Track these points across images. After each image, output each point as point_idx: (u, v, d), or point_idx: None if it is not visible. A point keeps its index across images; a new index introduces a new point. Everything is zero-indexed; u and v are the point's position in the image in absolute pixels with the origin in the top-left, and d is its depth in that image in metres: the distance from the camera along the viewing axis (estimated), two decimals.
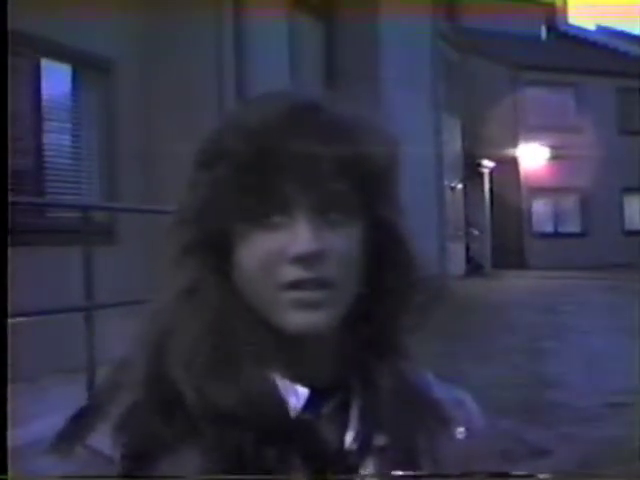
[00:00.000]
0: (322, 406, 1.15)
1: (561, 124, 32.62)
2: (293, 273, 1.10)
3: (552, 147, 32.63)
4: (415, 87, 17.33)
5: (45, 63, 9.23)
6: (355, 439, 1.15)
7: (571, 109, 33.68)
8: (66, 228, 7.97)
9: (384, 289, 1.17)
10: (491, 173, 31.94)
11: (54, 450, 1.12)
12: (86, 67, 9.87)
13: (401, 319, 1.19)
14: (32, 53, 8.94)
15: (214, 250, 1.13)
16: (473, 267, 28.75)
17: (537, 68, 33.35)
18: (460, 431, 1.24)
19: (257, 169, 1.10)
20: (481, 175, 31.50)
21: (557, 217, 34.56)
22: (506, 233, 32.03)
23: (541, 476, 1.24)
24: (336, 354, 1.17)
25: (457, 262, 25.53)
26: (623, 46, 37.62)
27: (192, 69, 10.48)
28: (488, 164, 31.49)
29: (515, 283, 25.19)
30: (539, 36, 38.77)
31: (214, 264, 1.13)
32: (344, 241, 1.12)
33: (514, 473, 1.21)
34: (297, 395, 1.14)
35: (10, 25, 4.70)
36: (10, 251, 3.87)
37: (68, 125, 9.85)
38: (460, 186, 28.66)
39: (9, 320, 3.86)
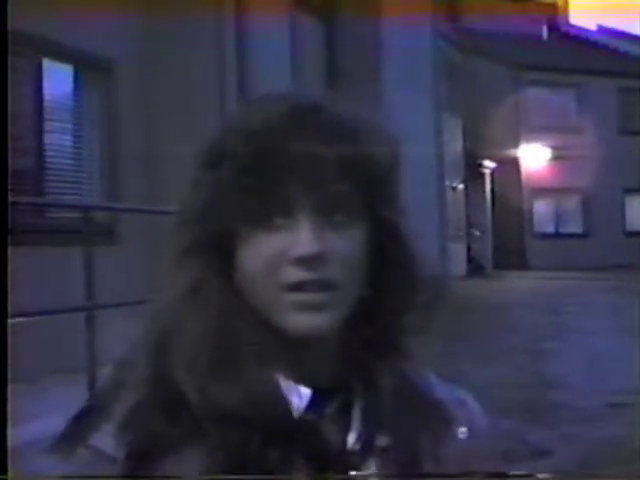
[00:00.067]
0: (325, 406, 1.15)
1: (562, 124, 32.63)
2: (295, 275, 1.10)
3: (553, 147, 32.65)
4: (416, 87, 17.34)
5: (46, 63, 9.23)
6: (357, 439, 1.15)
7: (572, 109, 33.70)
8: (67, 228, 7.97)
9: (387, 290, 1.17)
10: (492, 173, 31.95)
11: (56, 450, 1.12)
12: (87, 67, 9.87)
13: (404, 320, 1.19)
14: (33, 53, 8.94)
15: (216, 251, 1.13)
16: (474, 268, 28.75)
17: (538, 68, 33.36)
18: (462, 431, 1.24)
19: (260, 170, 1.10)
20: (482, 175, 31.51)
21: (558, 218, 34.58)
22: (507, 233, 32.04)
23: (541, 476, 1.24)
24: (339, 355, 1.18)
25: (458, 263, 25.54)
26: (624, 46, 37.64)
27: (193, 69, 10.49)
28: (489, 164, 31.50)
29: (516, 284, 25.20)
30: (540, 36, 38.79)
31: (216, 265, 1.13)
32: (346, 242, 1.12)
33: (515, 473, 1.21)
34: (300, 396, 1.14)
35: (11, 25, 4.70)
36: (10, 251, 3.87)
37: (69, 125, 9.85)
38: (461, 186, 28.67)
39: (9, 320, 3.86)
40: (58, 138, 9.67)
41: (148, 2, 10.17)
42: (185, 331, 1.11)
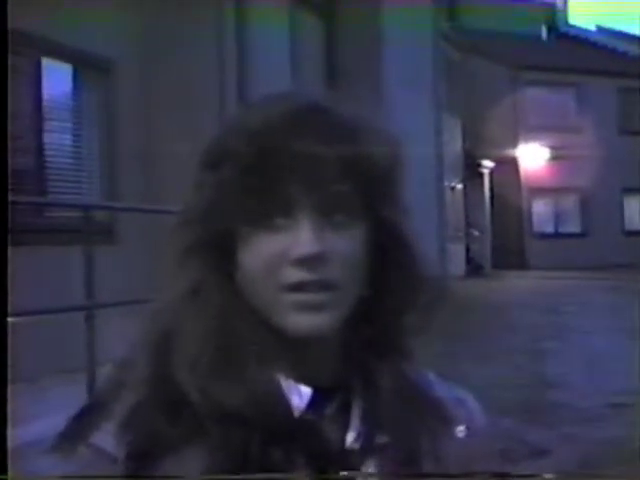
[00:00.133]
0: (325, 406, 1.15)
1: (561, 124, 32.64)
2: (295, 275, 1.10)
3: (552, 147, 32.65)
4: (416, 87, 17.33)
5: (45, 63, 9.23)
6: (357, 438, 1.16)
7: (571, 109, 33.71)
8: (66, 227, 7.97)
9: (387, 290, 1.18)
10: (491, 173, 31.97)
11: (56, 449, 1.12)
12: (86, 67, 9.87)
13: (404, 320, 1.19)
14: (32, 53, 8.94)
15: (217, 251, 1.13)
16: (473, 267, 28.78)
17: (538, 68, 33.37)
18: (461, 430, 1.25)
19: (261, 170, 1.10)
20: (481, 175, 31.53)
21: (557, 217, 34.59)
22: (506, 233, 32.06)
23: (542, 476, 1.24)
24: (339, 354, 1.18)
25: (457, 263, 25.55)
26: (623, 46, 37.65)
27: (193, 69, 10.49)
28: (488, 164, 31.52)
29: (516, 283, 25.22)
30: (540, 36, 38.80)
31: (217, 265, 1.14)
32: (347, 243, 1.12)
33: (515, 473, 1.21)
34: (300, 395, 1.14)
35: (10, 25, 4.69)
36: (10, 251, 3.86)
37: (68, 125, 9.85)
38: (460, 186, 28.69)
39: (9, 320, 3.86)
40: (57, 137, 9.67)
41: (147, 2, 10.17)
42: (186, 331, 1.12)
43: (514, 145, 33.04)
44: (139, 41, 10.26)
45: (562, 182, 32.88)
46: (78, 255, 6.44)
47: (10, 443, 2.60)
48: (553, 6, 40.12)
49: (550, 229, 34.35)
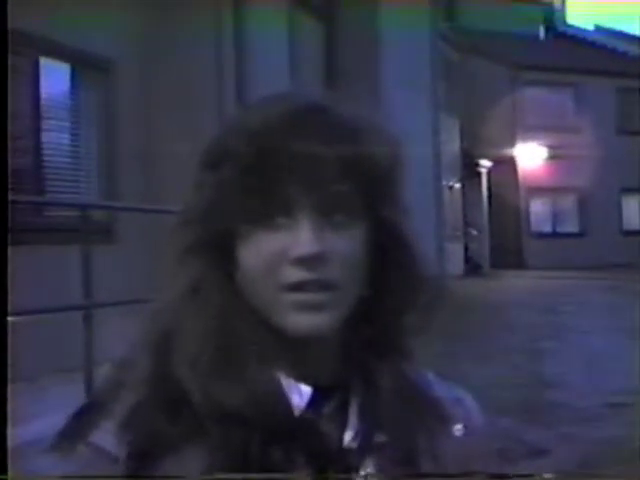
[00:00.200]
0: (325, 405, 1.16)
1: (560, 124, 32.62)
2: (295, 274, 1.10)
3: (551, 147, 32.64)
4: (414, 87, 17.34)
5: (44, 62, 9.22)
6: (356, 437, 1.16)
7: (570, 109, 33.69)
8: (65, 227, 7.97)
9: (387, 290, 1.18)
10: (489, 173, 31.96)
11: (56, 448, 1.12)
12: (85, 66, 9.87)
13: (404, 320, 1.20)
14: (31, 52, 8.93)
15: (217, 251, 1.14)
16: (472, 267, 28.77)
17: (536, 68, 33.35)
18: (459, 429, 1.25)
19: (261, 170, 1.11)
20: (479, 175, 31.52)
21: (555, 217, 34.57)
22: (504, 233, 32.04)
23: (540, 476, 1.24)
24: (339, 354, 1.18)
25: (455, 262, 25.54)
26: (622, 46, 37.63)
27: (192, 69, 10.48)
28: (486, 164, 31.51)
29: (514, 283, 25.20)
30: (538, 36, 38.78)
31: (217, 265, 1.14)
32: (347, 242, 1.12)
33: (513, 473, 1.21)
34: (301, 394, 1.14)
35: (10, 24, 4.69)
36: (9, 250, 3.87)
37: (67, 124, 9.85)
38: (458, 186, 28.68)
39: (8, 319, 3.86)
40: (56, 137, 9.67)
41: (147, 2, 10.17)
42: (186, 330, 1.12)
43: (512, 145, 33.03)
44: (138, 41, 10.25)
45: (560, 182, 32.87)
46: (77, 254, 6.44)
47: (10, 442, 2.60)
48: (551, 6, 40.10)
49: (548, 229, 34.33)
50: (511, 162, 33.00)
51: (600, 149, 31.33)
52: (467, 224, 29.84)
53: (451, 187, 27.11)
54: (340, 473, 1.13)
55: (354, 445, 1.15)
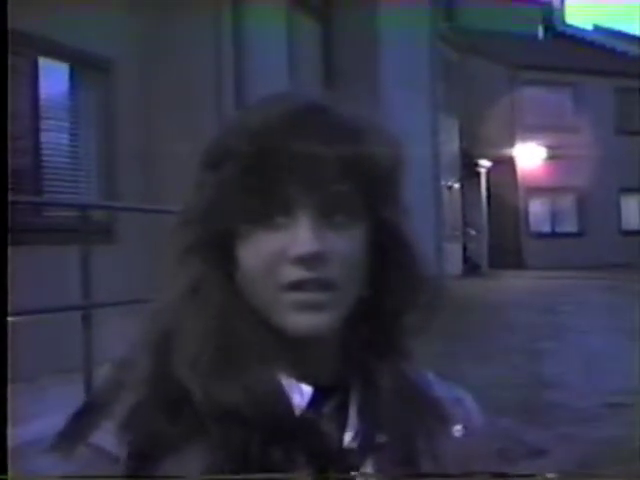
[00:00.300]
0: (326, 404, 1.16)
1: (559, 124, 32.63)
2: (295, 273, 1.10)
3: (550, 147, 32.65)
4: (413, 87, 17.33)
5: (43, 62, 9.22)
6: (356, 437, 1.16)
7: (569, 109, 33.69)
8: (65, 227, 7.96)
9: (387, 290, 1.18)
10: (488, 173, 31.96)
11: (56, 449, 1.12)
12: (85, 66, 9.87)
13: (403, 320, 1.20)
14: (30, 52, 8.93)
15: (218, 250, 1.14)
16: (470, 267, 28.77)
17: (535, 68, 33.36)
18: (458, 429, 1.25)
19: (262, 170, 1.11)
20: (478, 175, 31.52)
21: (554, 217, 34.58)
22: (503, 233, 32.05)
23: (540, 476, 1.24)
24: (339, 354, 1.18)
25: (454, 262, 25.55)
26: (621, 46, 37.65)
27: (191, 69, 10.49)
28: (485, 164, 31.51)
29: (513, 283, 25.20)
30: (537, 36, 38.79)
31: (218, 264, 1.14)
32: (347, 242, 1.12)
33: (513, 473, 1.21)
34: (301, 394, 1.14)
35: (9, 24, 4.69)
36: (9, 250, 3.87)
37: (67, 124, 9.85)
38: (457, 186, 28.69)
39: (8, 319, 3.86)
40: (55, 137, 9.67)
41: (146, 2, 10.17)
42: (186, 330, 1.12)
43: (511, 145, 33.03)
44: (138, 41, 10.25)
45: (559, 182, 32.88)
46: (76, 255, 6.44)
47: (10, 442, 2.60)
48: (550, 6, 40.11)
49: (547, 229, 34.34)
50: (510, 162, 33.00)
51: (599, 149, 31.34)
52: (466, 224, 29.85)
53: (450, 187, 27.12)
54: (340, 473, 1.13)
55: (354, 445, 1.15)
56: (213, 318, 1.12)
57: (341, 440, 1.15)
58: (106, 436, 1.09)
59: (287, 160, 1.10)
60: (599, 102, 33.49)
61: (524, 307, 17.81)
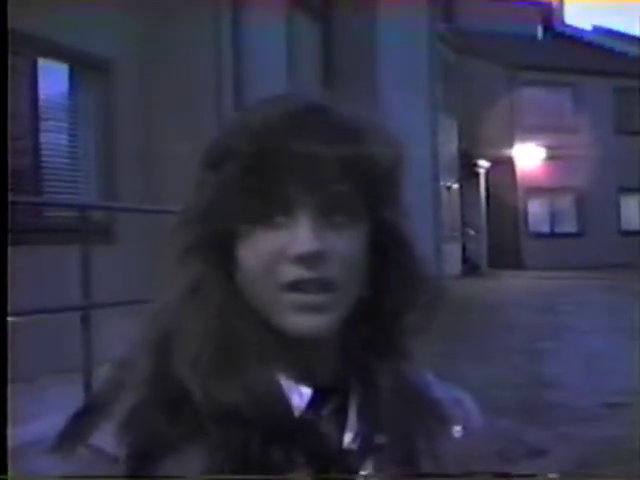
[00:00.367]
0: (325, 406, 1.16)
1: (558, 124, 32.64)
2: (294, 273, 1.10)
3: (549, 147, 32.66)
4: (412, 88, 17.33)
5: (43, 63, 9.22)
6: (356, 438, 1.16)
7: (568, 109, 33.70)
8: (64, 227, 7.96)
9: (387, 290, 1.18)
10: (487, 173, 31.97)
11: (55, 449, 1.12)
12: (84, 67, 9.86)
13: (403, 320, 1.20)
14: (30, 52, 8.93)
15: (218, 250, 1.14)
16: (469, 267, 28.78)
17: (534, 68, 33.36)
18: (457, 430, 1.25)
19: (262, 170, 1.11)
20: (477, 175, 31.53)
21: (553, 217, 34.59)
22: (502, 233, 32.05)
23: (540, 476, 1.24)
24: (338, 354, 1.18)
25: (453, 262, 25.55)
26: (620, 46, 37.65)
27: (191, 69, 10.48)
28: (484, 164, 31.52)
29: (512, 283, 25.20)
30: (536, 36, 38.80)
31: (218, 264, 1.14)
32: (347, 242, 1.12)
33: (514, 473, 1.21)
34: (300, 395, 1.14)
35: (9, 24, 4.70)
36: (9, 251, 3.87)
37: (66, 125, 9.85)
38: (456, 186, 28.70)
39: (8, 319, 3.87)
40: (55, 137, 9.67)
41: (146, 3, 10.17)
42: (186, 330, 1.12)
43: (510, 145, 33.04)
44: (137, 41, 10.25)
45: (558, 182, 32.89)
46: (76, 255, 6.44)
47: (10, 442, 2.60)
48: (549, 6, 40.12)
49: (546, 229, 34.35)
50: (509, 162, 33.01)
51: (598, 149, 31.35)
52: (465, 224, 29.87)
53: (449, 187, 27.13)
54: (340, 474, 1.13)
55: (354, 446, 1.15)
56: (213, 318, 1.12)
57: (341, 441, 1.15)
58: (106, 437, 1.09)
59: (287, 160, 1.10)
60: (598, 102, 33.49)
61: (523, 307, 17.81)
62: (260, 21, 11.29)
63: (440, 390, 1.27)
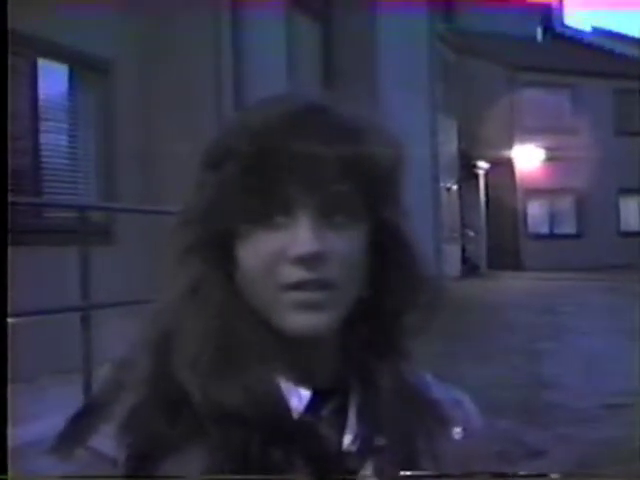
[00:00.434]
0: (324, 407, 1.15)
1: (557, 125, 32.65)
2: (294, 274, 1.10)
3: (548, 148, 32.66)
4: (412, 88, 17.34)
5: (42, 63, 9.22)
6: (355, 440, 1.15)
7: (568, 110, 33.71)
8: (64, 228, 7.96)
9: (386, 290, 1.18)
10: (487, 174, 31.98)
11: (55, 451, 1.12)
12: (84, 67, 9.86)
13: (403, 320, 1.19)
14: (29, 53, 8.93)
15: (218, 250, 1.14)
16: (469, 268, 28.78)
17: (534, 69, 33.38)
18: (457, 431, 1.24)
19: (262, 170, 1.11)
20: (477, 176, 31.54)
21: (553, 218, 34.60)
22: (502, 234, 32.05)
23: (540, 476, 1.24)
24: (338, 355, 1.18)
25: (453, 263, 25.55)
26: (619, 47, 37.66)
27: (191, 69, 10.48)
28: (484, 165, 31.53)
29: (511, 284, 25.21)
30: (535, 37, 38.80)
31: (218, 265, 1.14)
32: (347, 243, 1.12)
33: (514, 473, 1.21)
34: (300, 396, 1.14)
35: (9, 24, 4.70)
36: (9, 251, 3.87)
37: (65, 125, 9.85)
38: (456, 187, 28.69)
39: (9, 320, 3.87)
40: (54, 138, 9.67)
41: (146, 3, 10.17)
42: (186, 331, 1.12)
43: (510, 146, 33.05)
44: (137, 41, 10.25)
45: (558, 183, 32.90)
46: (75, 256, 6.44)
47: (10, 443, 2.60)
48: (549, 7, 40.12)
49: (545, 230, 34.36)
50: (509, 163, 33.02)
51: (598, 150, 31.36)
52: (464, 225, 29.87)
53: (449, 188, 27.13)
54: (340, 475, 1.13)
55: (353, 448, 1.15)
56: (213, 318, 1.12)
57: (340, 442, 1.15)
58: (105, 439, 1.09)
59: (287, 160, 1.10)
60: (598, 103, 33.50)
61: (523, 308, 17.81)
62: (260, 21, 11.30)
63: (440, 391, 1.27)
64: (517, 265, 31.63)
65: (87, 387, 5.89)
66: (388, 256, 1.17)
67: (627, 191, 33.81)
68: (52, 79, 9.51)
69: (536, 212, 34.04)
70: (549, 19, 39.98)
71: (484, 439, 1.29)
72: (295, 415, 1.12)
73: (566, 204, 34.56)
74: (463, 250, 29.23)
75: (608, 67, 34.50)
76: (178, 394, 1.09)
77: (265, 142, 1.10)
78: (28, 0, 7.93)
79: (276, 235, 1.11)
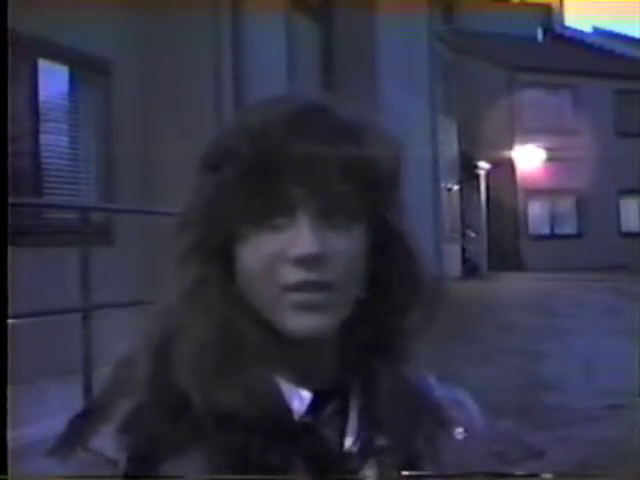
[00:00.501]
0: (325, 409, 1.15)
1: (558, 126, 32.67)
2: (295, 275, 1.09)
3: (549, 149, 32.69)
4: (412, 88, 17.35)
5: (42, 64, 9.22)
6: (357, 441, 1.15)
7: (568, 111, 33.74)
8: (64, 229, 7.97)
9: (387, 291, 1.17)
10: (487, 175, 32.00)
11: (55, 453, 1.12)
12: (84, 68, 9.86)
13: (404, 321, 1.19)
14: (29, 54, 8.92)
15: (218, 252, 1.13)
16: (469, 269, 28.78)
17: (534, 70, 33.41)
18: (459, 432, 1.24)
19: (262, 171, 1.10)
20: (477, 177, 31.55)
21: (553, 219, 34.64)
22: (502, 235, 32.07)
23: (540, 477, 1.24)
24: (338, 356, 1.18)
25: (453, 264, 25.55)
26: (620, 48, 37.70)
27: (190, 70, 10.49)
28: (484, 166, 31.54)
29: (512, 285, 25.21)
30: (536, 38, 38.82)
31: (218, 266, 1.13)
32: (347, 244, 1.12)
33: (515, 473, 1.21)
34: (300, 398, 1.14)
35: (9, 25, 4.69)
36: (9, 252, 3.87)
37: (66, 126, 9.84)
38: (456, 188, 28.70)
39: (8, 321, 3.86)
40: (55, 139, 9.66)
41: (146, 3, 10.17)
42: (186, 332, 1.11)
43: (510, 147, 33.07)
44: (137, 42, 10.26)
45: (558, 184, 32.92)
46: (76, 256, 6.44)
47: (10, 444, 2.60)
48: (549, 7, 40.13)
49: (546, 230, 34.40)
50: (509, 164, 33.04)
51: (598, 151, 31.37)
52: (465, 226, 29.87)
53: (449, 189, 27.13)
54: (341, 477, 1.13)
55: (354, 449, 1.15)
56: (213, 320, 1.11)
57: (341, 444, 1.15)
58: (106, 441, 1.09)
59: (287, 161, 1.10)
60: (598, 104, 33.52)
61: (523, 309, 17.81)
62: (260, 21, 11.30)
63: (441, 391, 1.26)
64: (518, 265, 31.64)
65: (87, 388, 5.89)
66: (388, 257, 1.17)
67: (627, 191, 33.83)
68: (52, 80, 9.51)
69: (537, 213, 34.08)
70: (549, 19, 39.99)
71: (486, 439, 1.29)
72: (296, 417, 1.12)
73: (567, 205, 34.60)
74: (463, 250, 29.23)
75: (608, 68, 34.54)
76: (179, 396, 1.09)
77: (265, 143, 1.10)
78: (28, 0, 7.92)
79: (276, 236, 1.10)
